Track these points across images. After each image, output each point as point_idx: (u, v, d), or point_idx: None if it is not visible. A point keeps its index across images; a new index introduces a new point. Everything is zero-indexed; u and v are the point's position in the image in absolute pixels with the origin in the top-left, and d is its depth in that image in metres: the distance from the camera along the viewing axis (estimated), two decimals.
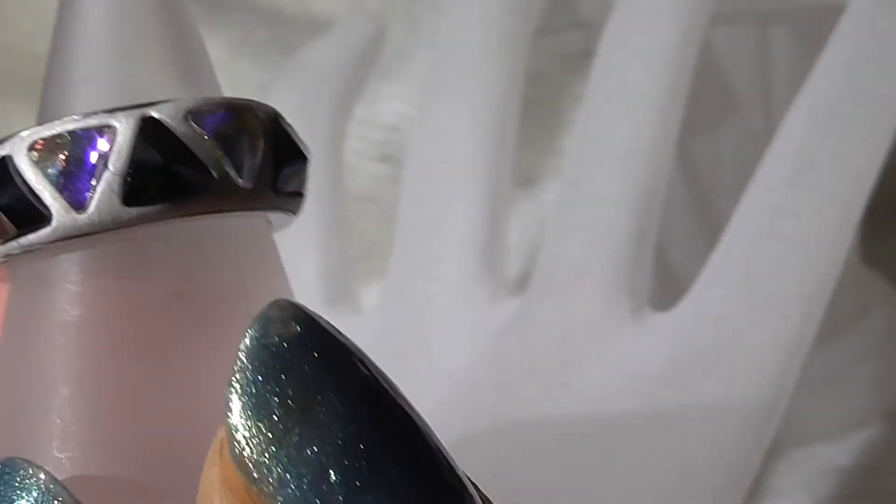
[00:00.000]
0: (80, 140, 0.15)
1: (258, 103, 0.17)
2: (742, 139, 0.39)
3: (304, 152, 0.18)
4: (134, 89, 0.17)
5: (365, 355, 0.15)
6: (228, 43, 0.47)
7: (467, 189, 0.33)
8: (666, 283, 0.38)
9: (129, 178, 0.15)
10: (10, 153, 0.16)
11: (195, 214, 0.16)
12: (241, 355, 0.15)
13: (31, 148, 0.15)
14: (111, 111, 0.15)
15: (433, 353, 0.32)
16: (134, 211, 0.15)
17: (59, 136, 0.15)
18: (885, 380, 0.38)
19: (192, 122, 0.16)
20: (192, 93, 0.17)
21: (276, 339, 0.15)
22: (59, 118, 0.16)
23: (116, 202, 0.15)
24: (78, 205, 0.15)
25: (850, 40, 0.30)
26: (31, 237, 0.16)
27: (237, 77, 0.47)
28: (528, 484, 0.29)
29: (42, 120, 0.17)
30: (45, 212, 0.15)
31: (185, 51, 0.17)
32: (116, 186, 0.15)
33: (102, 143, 0.15)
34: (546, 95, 0.44)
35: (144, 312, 0.16)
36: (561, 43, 0.44)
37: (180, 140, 0.16)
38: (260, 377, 0.14)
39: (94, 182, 0.15)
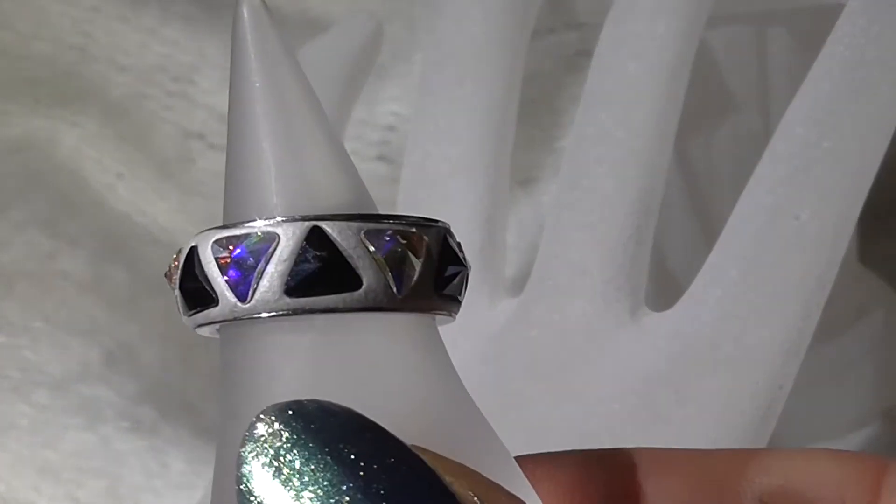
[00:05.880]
0: (251, 243, 0.18)
1: (433, 224, 0.19)
2: (740, 139, 0.39)
3: (465, 264, 0.20)
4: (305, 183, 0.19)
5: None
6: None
7: (465, 189, 0.33)
8: (663, 283, 0.38)
9: (288, 280, 0.18)
10: (197, 244, 0.18)
11: (351, 311, 0.18)
12: None
13: (213, 243, 0.18)
14: (284, 220, 0.18)
15: None
16: (290, 301, 0.18)
17: (235, 237, 0.18)
18: (883, 379, 0.38)
19: (364, 239, 0.18)
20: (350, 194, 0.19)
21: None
22: (243, 210, 0.19)
23: (274, 296, 0.18)
24: (241, 296, 0.18)
25: (847, 41, 0.30)
26: (200, 316, 0.19)
27: None
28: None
29: (228, 202, 0.19)
30: (214, 297, 0.18)
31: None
32: (276, 285, 0.18)
33: (270, 248, 0.18)
34: (544, 95, 0.44)
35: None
36: (558, 43, 0.44)
37: (342, 254, 0.18)
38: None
39: (256, 278, 0.18)
